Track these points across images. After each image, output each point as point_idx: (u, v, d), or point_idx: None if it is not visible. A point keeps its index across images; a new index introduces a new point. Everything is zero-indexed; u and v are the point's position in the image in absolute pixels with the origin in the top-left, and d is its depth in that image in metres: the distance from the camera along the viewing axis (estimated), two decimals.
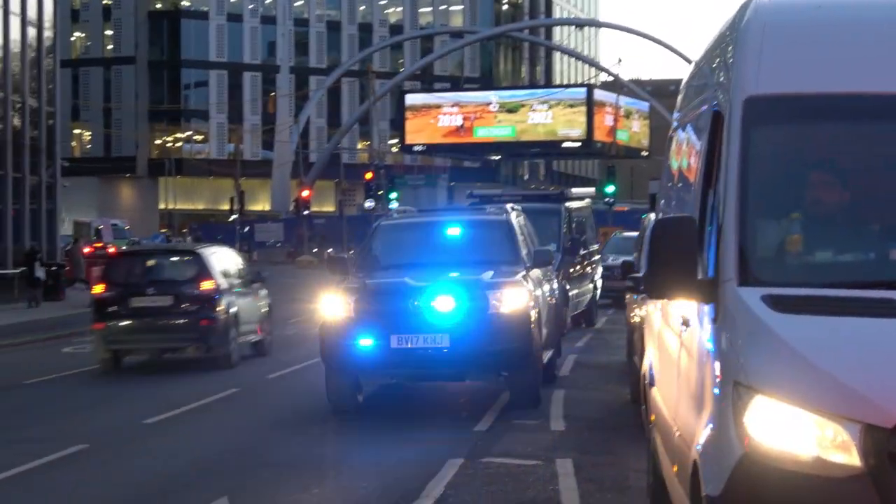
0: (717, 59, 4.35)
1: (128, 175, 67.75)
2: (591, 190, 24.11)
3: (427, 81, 62.48)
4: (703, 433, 3.33)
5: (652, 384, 5.55)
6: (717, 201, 3.60)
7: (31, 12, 30.29)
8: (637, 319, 9.15)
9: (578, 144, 53.32)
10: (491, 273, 9.59)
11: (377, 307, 9.27)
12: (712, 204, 3.73)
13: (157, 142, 68.98)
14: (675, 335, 4.43)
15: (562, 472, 6.87)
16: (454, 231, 10.87)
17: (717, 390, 3.19)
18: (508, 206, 11.93)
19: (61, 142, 36.68)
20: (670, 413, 4.49)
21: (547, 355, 10.75)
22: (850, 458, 2.76)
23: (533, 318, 9.52)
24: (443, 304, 9.09)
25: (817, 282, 3.35)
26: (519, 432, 8.57)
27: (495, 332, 9.19)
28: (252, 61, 67.02)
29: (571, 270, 15.39)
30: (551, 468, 6.99)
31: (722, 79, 4.02)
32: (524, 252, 10.47)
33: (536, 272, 10.60)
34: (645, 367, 6.09)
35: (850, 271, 3.52)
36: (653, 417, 5.55)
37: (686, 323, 4.03)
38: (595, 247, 18.31)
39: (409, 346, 9.09)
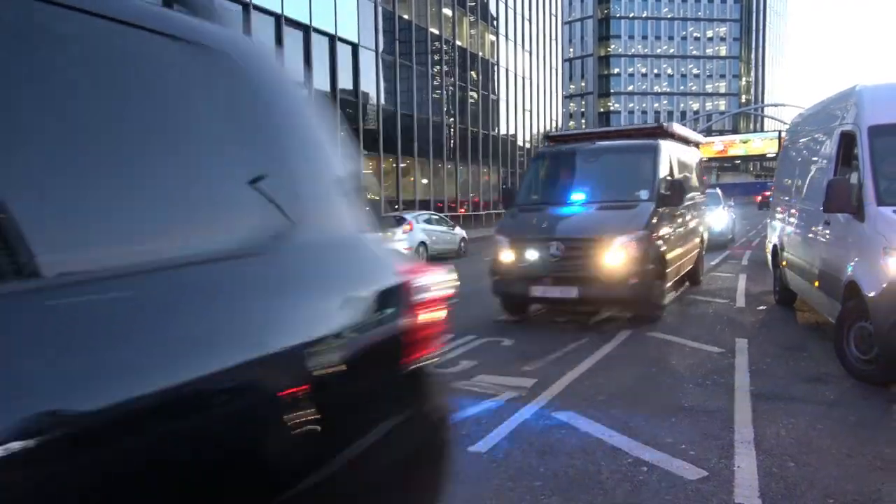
0: (840, 107, 8.76)
1: None
2: (700, 137, 17.06)
3: None
4: (856, 272, 6.95)
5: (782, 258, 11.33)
6: (860, 172, 7.37)
7: None
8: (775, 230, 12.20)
9: None
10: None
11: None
12: (848, 175, 7.80)
13: None
14: (815, 230, 8.86)
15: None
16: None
17: (871, 252, 6.74)
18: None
19: None
20: (808, 264, 9.17)
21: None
22: None
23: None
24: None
25: None
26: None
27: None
28: None
29: (671, 225, 11.75)
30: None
31: (847, 117, 8.28)
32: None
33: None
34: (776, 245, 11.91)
35: None
36: (784, 263, 11.00)
37: (827, 223, 8.17)
38: (700, 197, 15.11)
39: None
